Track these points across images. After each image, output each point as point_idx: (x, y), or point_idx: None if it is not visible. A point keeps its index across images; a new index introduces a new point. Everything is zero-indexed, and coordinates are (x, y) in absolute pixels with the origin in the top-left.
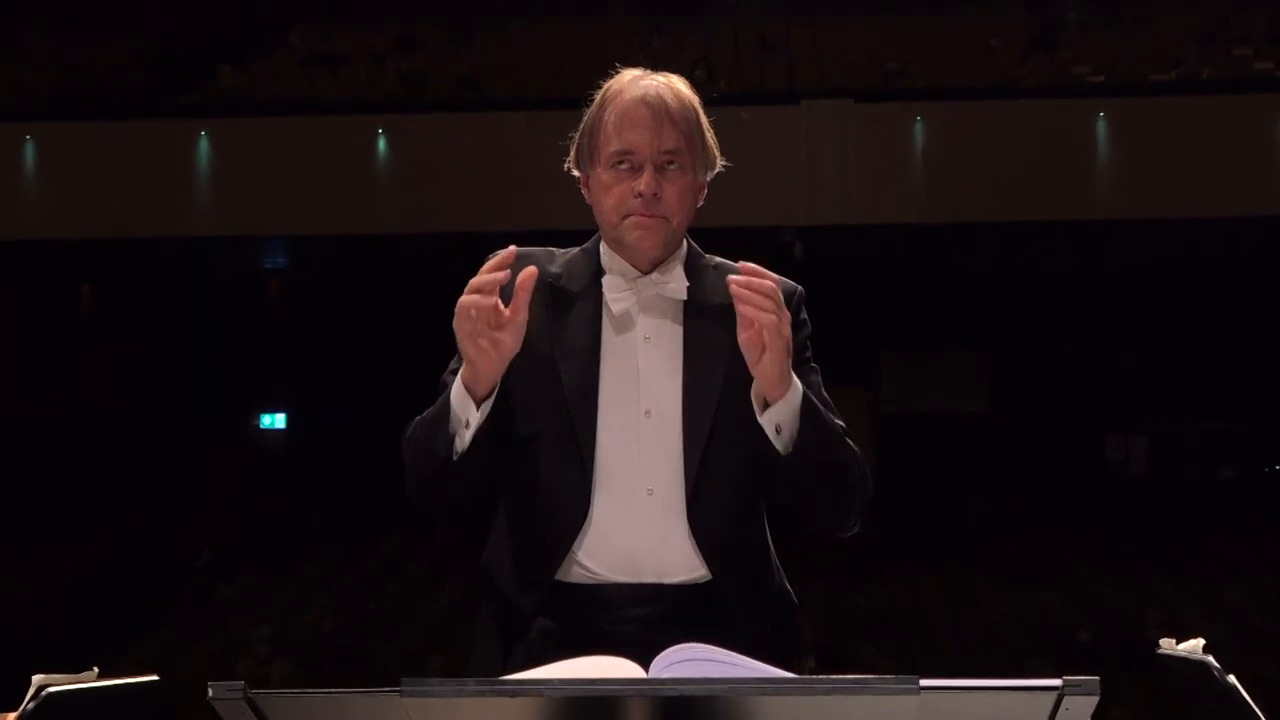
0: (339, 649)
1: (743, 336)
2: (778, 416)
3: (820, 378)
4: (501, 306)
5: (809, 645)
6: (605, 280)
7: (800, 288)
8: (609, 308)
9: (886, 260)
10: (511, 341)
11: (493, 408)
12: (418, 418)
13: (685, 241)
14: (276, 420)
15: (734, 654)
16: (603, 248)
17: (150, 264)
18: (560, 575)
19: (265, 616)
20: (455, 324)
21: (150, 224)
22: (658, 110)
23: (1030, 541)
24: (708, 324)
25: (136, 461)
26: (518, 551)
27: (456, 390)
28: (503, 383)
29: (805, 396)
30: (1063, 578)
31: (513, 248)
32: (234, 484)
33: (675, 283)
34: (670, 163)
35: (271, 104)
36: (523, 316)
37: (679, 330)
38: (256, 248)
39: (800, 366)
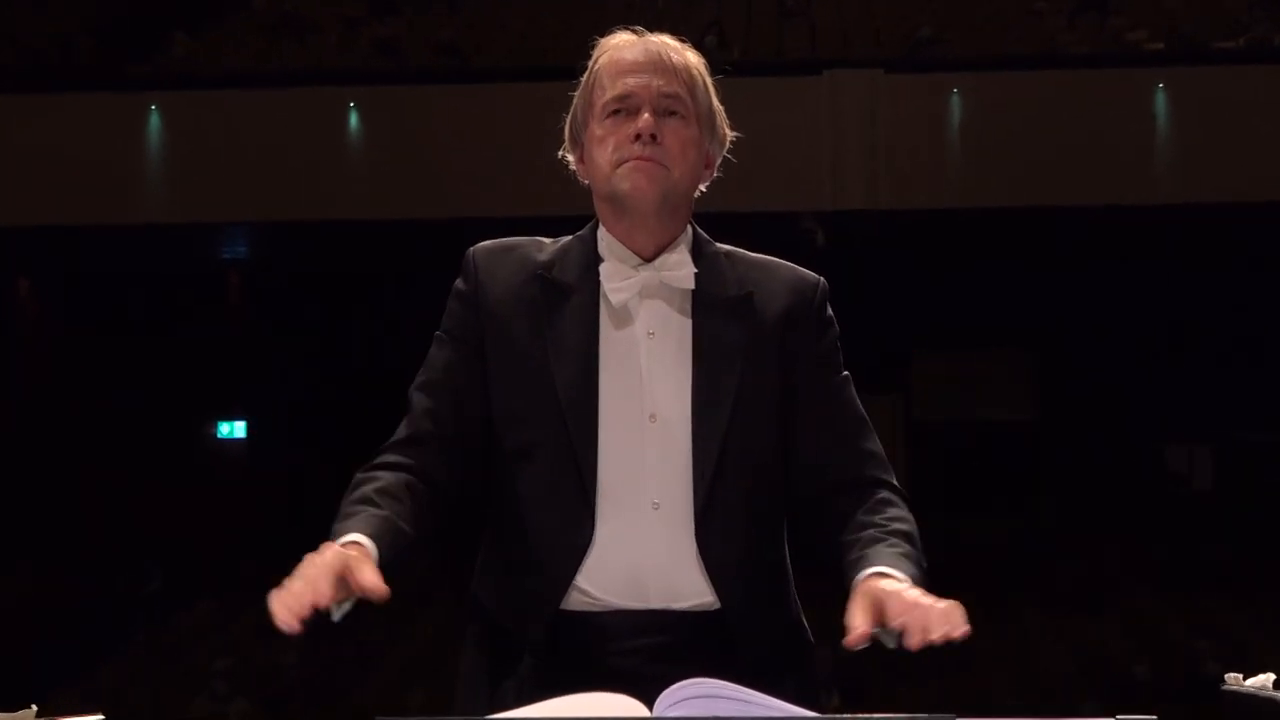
0: (306, 684)
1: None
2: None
3: (852, 386)
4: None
5: (829, 680)
6: (603, 269)
7: (823, 281)
8: (607, 300)
9: (919, 250)
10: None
11: (477, 418)
12: (360, 474)
13: (691, 226)
14: (236, 429)
15: (748, 690)
16: (600, 233)
17: (95, 255)
18: (560, 603)
19: (224, 648)
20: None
21: (94, 210)
22: (657, 56)
23: (1082, 565)
24: (718, 317)
25: (78, 475)
26: (512, 576)
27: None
28: (488, 390)
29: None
30: (1118, 605)
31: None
32: (188, 498)
33: (681, 270)
34: (671, 111)
35: (231, 75)
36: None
37: (686, 324)
38: (214, 237)
39: (828, 374)
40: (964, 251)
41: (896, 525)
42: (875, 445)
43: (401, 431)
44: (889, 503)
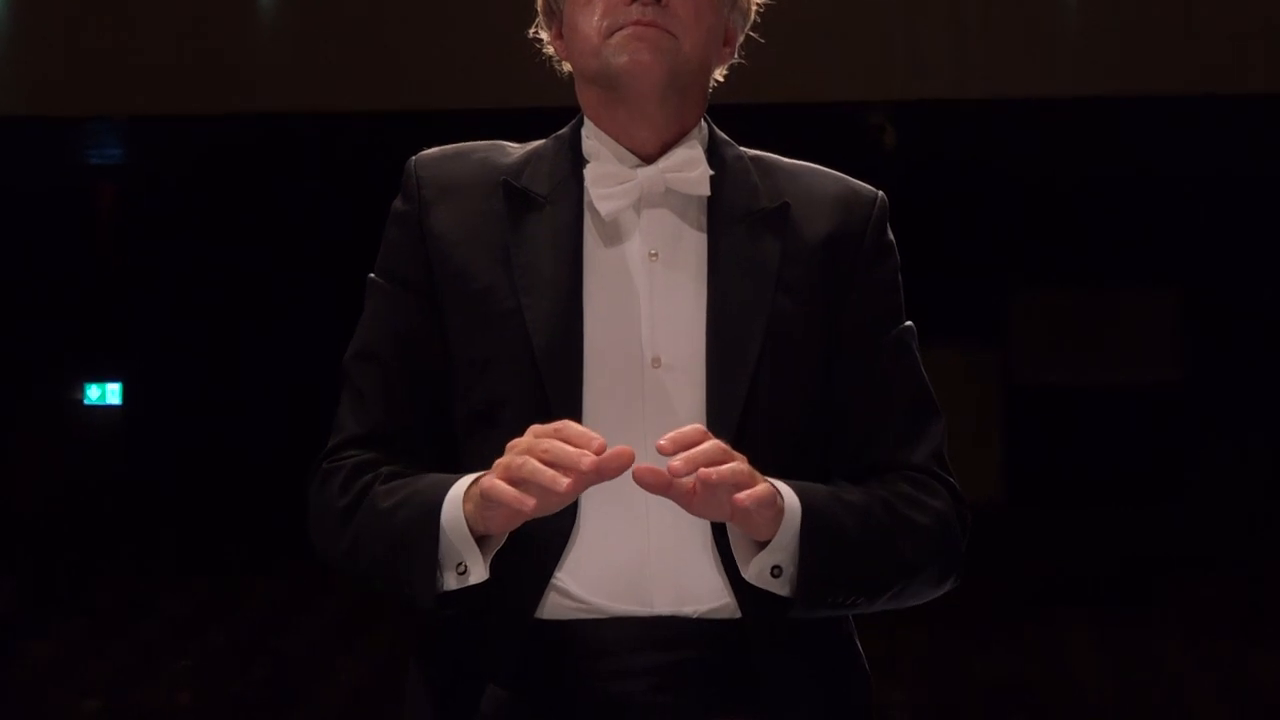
0: None
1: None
2: (775, 557)
3: (914, 342)
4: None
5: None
6: (589, 172)
7: (882, 196)
8: (595, 211)
9: (1021, 154)
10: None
11: (444, 392)
12: (341, 478)
13: (705, 123)
14: (109, 393)
15: None
16: (586, 129)
17: None
18: (535, 609)
19: (95, 685)
20: (526, 444)
21: None
22: None
23: (1234, 576)
24: (743, 233)
25: None
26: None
27: (452, 517)
28: (440, 332)
29: (807, 511)
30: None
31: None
32: (47, 487)
33: (693, 171)
34: None
35: None
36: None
37: (700, 241)
38: (78, 136)
39: (880, 321)
40: (1081, 156)
41: (891, 489)
42: (934, 428)
43: (350, 424)
44: (923, 485)
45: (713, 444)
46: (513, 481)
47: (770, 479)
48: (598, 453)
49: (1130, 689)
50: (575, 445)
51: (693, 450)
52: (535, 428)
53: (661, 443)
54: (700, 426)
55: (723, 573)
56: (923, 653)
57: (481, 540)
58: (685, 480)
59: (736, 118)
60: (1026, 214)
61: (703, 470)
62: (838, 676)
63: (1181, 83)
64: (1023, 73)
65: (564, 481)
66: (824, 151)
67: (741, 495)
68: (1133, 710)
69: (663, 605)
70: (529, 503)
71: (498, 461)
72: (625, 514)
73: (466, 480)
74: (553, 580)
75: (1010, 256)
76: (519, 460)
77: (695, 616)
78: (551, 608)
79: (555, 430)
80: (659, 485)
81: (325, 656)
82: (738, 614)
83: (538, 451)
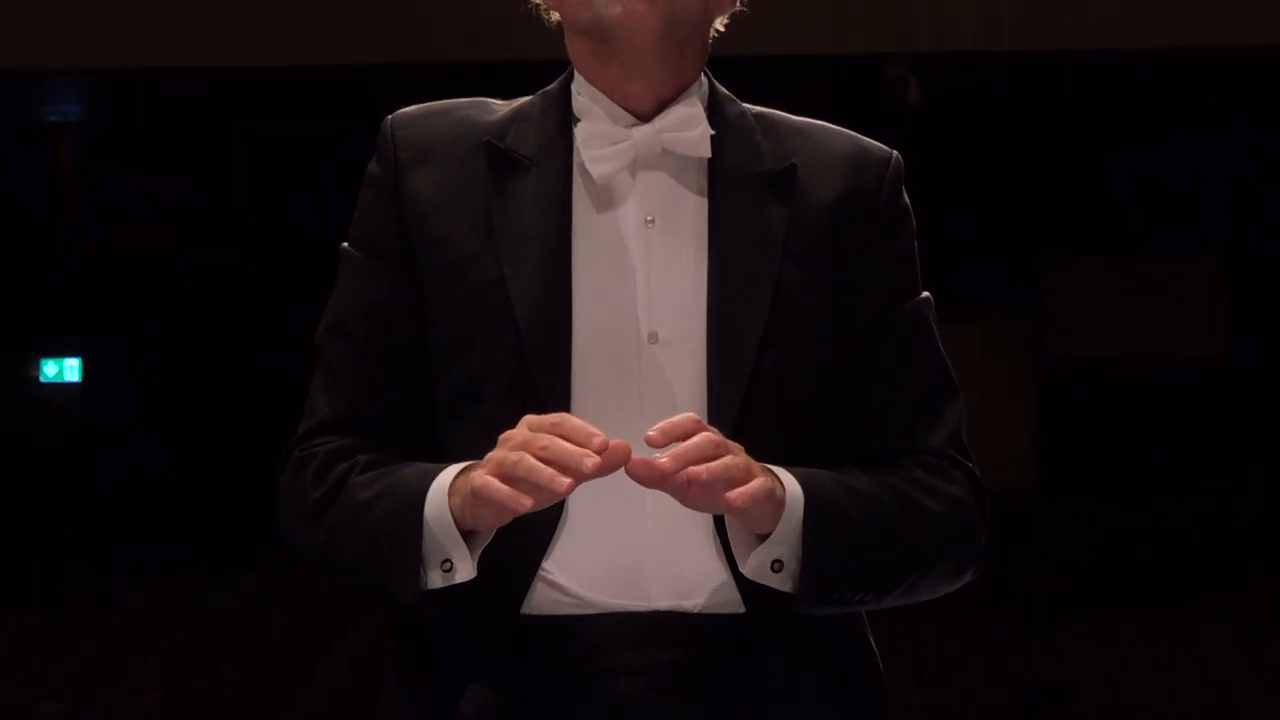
0: None
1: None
2: (776, 550)
3: (931, 315)
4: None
5: None
6: (579, 132)
7: (897, 156)
8: (586, 173)
9: (1055, 113)
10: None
11: (408, 348)
12: (320, 463)
13: (706, 77)
14: (67, 369)
15: None
16: (576, 84)
17: None
18: (521, 604)
19: (54, 685)
20: (520, 438)
21: None
22: None
23: None
24: (747, 197)
25: None
26: None
27: (437, 511)
28: (418, 305)
29: (810, 501)
30: None
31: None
32: None
33: (693, 130)
34: None
35: None
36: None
37: (701, 206)
38: (34, 91)
39: (894, 291)
40: (1120, 113)
41: (902, 475)
42: (952, 409)
43: (323, 407)
44: (939, 471)
45: (703, 437)
46: (507, 479)
47: (771, 466)
48: (599, 451)
49: (1174, 691)
50: (575, 442)
51: (683, 446)
52: (530, 419)
53: (651, 434)
54: (693, 416)
55: (725, 564)
56: (947, 651)
57: (468, 535)
58: (679, 474)
59: (740, 72)
60: (1060, 175)
61: (691, 469)
62: (849, 677)
63: (1230, 34)
64: (1057, 24)
65: (564, 482)
66: (838, 109)
67: (733, 494)
68: (1175, 713)
69: (660, 599)
70: (525, 502)
71: (489, 456)
72: (619, 500)
73: (452, 471)
74: (540, 572)
75: (1045, 222)
76: (514, 457)
77: (696, 611)
78: (539, 602)
79: (552, 424)
80: (653, 479)
81: (300, 654)
82: (741, 609)
83: (535, 448)
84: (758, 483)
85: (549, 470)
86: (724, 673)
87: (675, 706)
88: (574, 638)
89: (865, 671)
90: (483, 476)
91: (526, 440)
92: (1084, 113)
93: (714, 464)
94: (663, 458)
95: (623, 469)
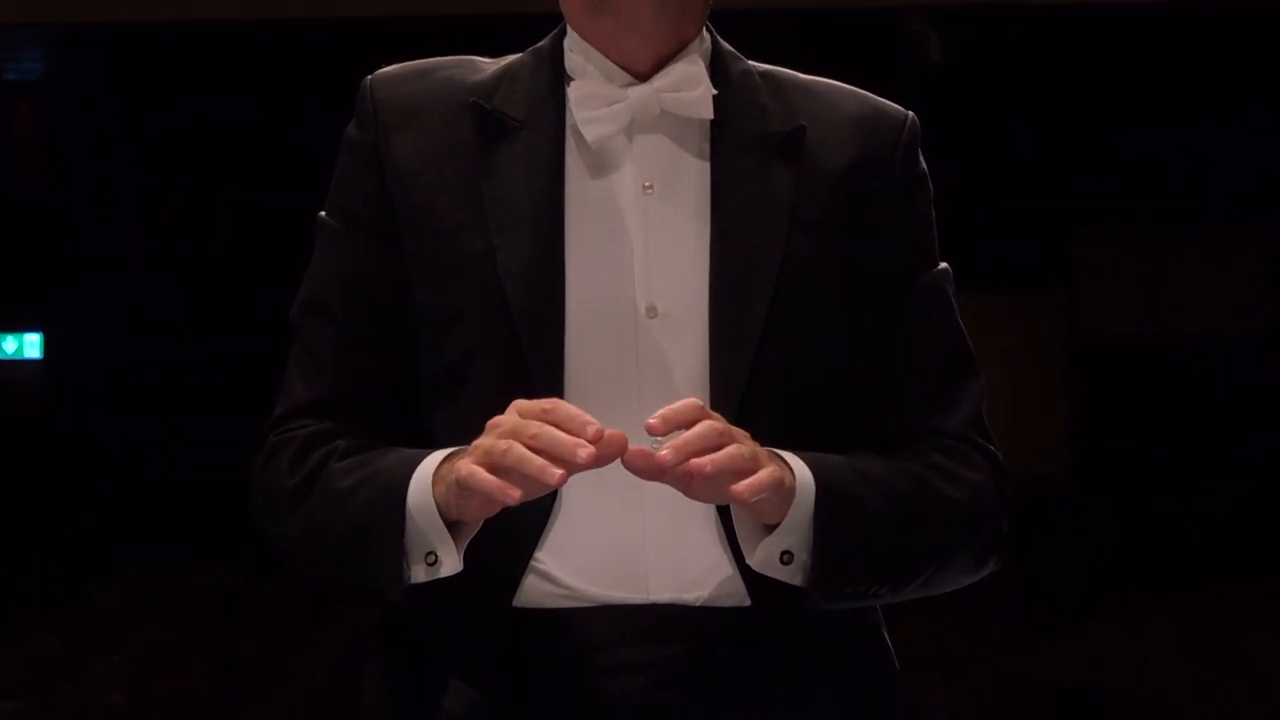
0: None
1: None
2: (785, 541)
3: (950, 288)
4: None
5: None
6: (572, 92)
7: (912, 116)
8: (580, 136)
9: (1089, 73)
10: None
11: (390, 325)
12: (292, 449)
13: (708, 32)
14: (28, 345)
15: None
16: (570, 41)
17: None
18: (512, 596)
19: (12, 684)
20: (510, 425)
21: None
22: None
23: None
24: (751, 161)
25: None
26: None
27: (420, 500)
28: (401, 279)
29: (822, 488)
30: None
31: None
32: None
33: (694, 89)
34: None
35: None
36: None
37: (704, 171)
38: None
39: (909, 264)
40: (1159, 75)
41: (920, 460)
42: (972, 389)
43: (299, 389)
44: (959, 455)
45: (707, 425)
46: (494, 469)
47: (780, 451)
48: (594, 440)
49: (1216, 693)
50: (568, 430)
51: (684, 436)
52: (520, 404)
53: (651, 421)
54: (696, 402)
55: (729, 554)
56: (969, 649)
57: (454, 526)
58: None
59: (746, 26)
60: (1092, 141)
61: (694, 462)
62: (862, 675)
63: None
64: None
65: (556, 474)
66: (852, 66)
67: (739, 486)
68: (1216, 713)
69: (660, 591)
70: (514, 494)
71: (477, 443)
72: (617, 487)
73: (437, 457)
74: (532, 562)
75: (1077, 193)
76: (503, 445)
77: (698, 604)
78: (531, 594)
79: (544, 411)
80: (653, 472)
81: (276, 651)
82: (746, 601)
83: (525, 436)
84: (765, 473)
85: (540, 460)
86: (727, 670)
87: (675, 705)
88: (569, 632)
89: (880, 670)
90: (469, 465)
91: (516, 427)
92: (1119, 74)
93: (718, 455)
94: (663, 450)
95: (619, 461)
